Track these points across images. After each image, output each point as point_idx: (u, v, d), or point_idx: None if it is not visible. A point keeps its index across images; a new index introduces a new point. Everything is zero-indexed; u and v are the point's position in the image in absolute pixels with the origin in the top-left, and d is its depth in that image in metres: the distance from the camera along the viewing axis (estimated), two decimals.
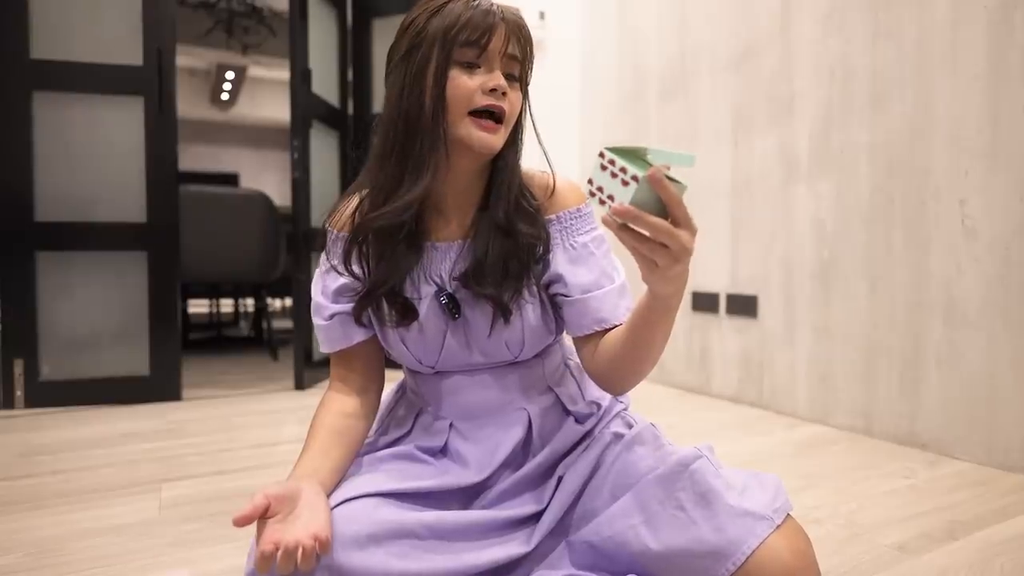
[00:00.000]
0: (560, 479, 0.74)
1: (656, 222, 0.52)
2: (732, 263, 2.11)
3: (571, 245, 0.74)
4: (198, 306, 5.26)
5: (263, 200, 3.03)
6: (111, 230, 2.04)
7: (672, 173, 0.53)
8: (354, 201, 0.74)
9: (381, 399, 0.83)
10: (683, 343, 2.32)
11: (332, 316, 0.76)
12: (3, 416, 1.90)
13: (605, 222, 0.55)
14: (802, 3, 1.84)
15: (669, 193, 0.52)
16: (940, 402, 1.50)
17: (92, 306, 2.05)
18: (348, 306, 0.74)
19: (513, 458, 0.75)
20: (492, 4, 0.68)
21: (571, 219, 0.75)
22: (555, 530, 0.72)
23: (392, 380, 0.85)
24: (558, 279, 0.73)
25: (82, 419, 1.87)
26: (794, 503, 0.67)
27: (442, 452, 0.77)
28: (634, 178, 0.52)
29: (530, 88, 0.74)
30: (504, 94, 0.67)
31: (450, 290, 0.73)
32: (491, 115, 0.68)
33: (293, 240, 2.36)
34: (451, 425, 0.78)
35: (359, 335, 0.77)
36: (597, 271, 0.73)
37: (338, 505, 0.63)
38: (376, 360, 0.80)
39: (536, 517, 0.72)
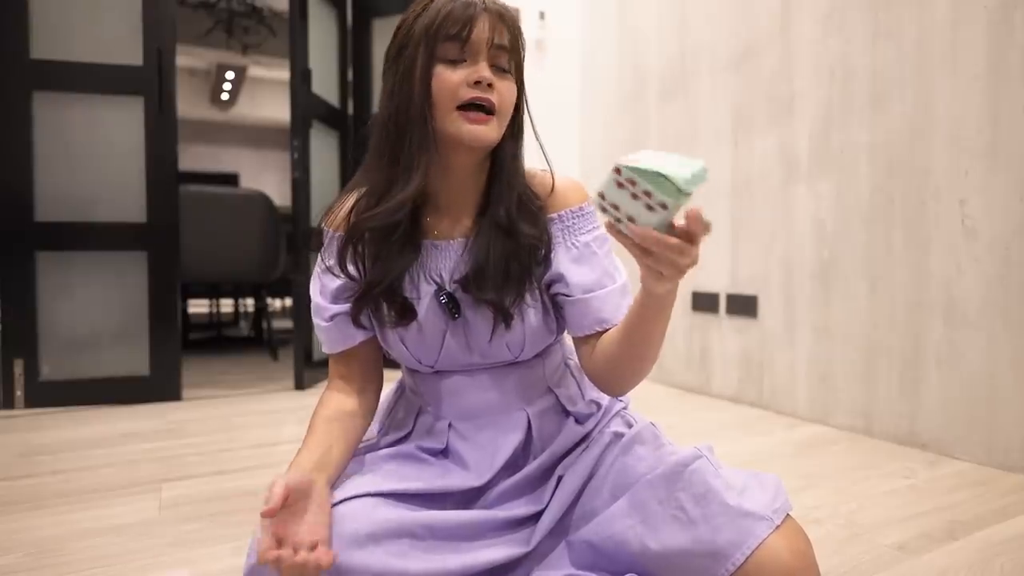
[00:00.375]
0: (559, 479, 0.74)
1: (675, 243, 0.52)
2: (732, 263, 2.11)
3: (573, 244, 0.73)
4: (198, 306, 5.26)
5: (263, 200, 3.03)
6: (111, 230, 2.04)
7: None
8: (350, 200, 0.74)
9: (380, 399, 0.83)
10: (683, 343, 2.32)
11: (332, 317, 0.75)
12: (3, 416, 1.90)
13: (612, 232, 0.55)
14: (802, 3, 1.84)
15: (700, 228, 0.52)
16: (940, 402, 1.50)
17: (92, 306, 2.05)
18: (348, 307, 0.74)
19: (513, 461, 0.75)
20: None
21: (573, 218, 0.74)
22: (555, 530, 0.72)
23: (391, 380, 0.85)
24: (559, 279, 0.73)
25: (82, 419, 1.87)
26: (794, 503, 0.67)
27: (443, 453, 0.77)
28: (662, 205, 0.51)
29: (528, 82, 0.74)
30: (491, 85, 0.66)
31: (450, 290, 0.72)
32: (480, 108, 0.67)
33: (293, 240, 2.36)
34: (450, 425, 0.77)
35: (360, 336, 0.76)
36: (599, 271, 0.73)
37: (339, 503, 0.62)
38: (375, 360, 0.80)
39: (536, 517, 0.72)
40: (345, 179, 2.72)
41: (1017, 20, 1.35)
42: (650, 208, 0.51)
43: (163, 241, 2.09)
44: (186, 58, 7.65)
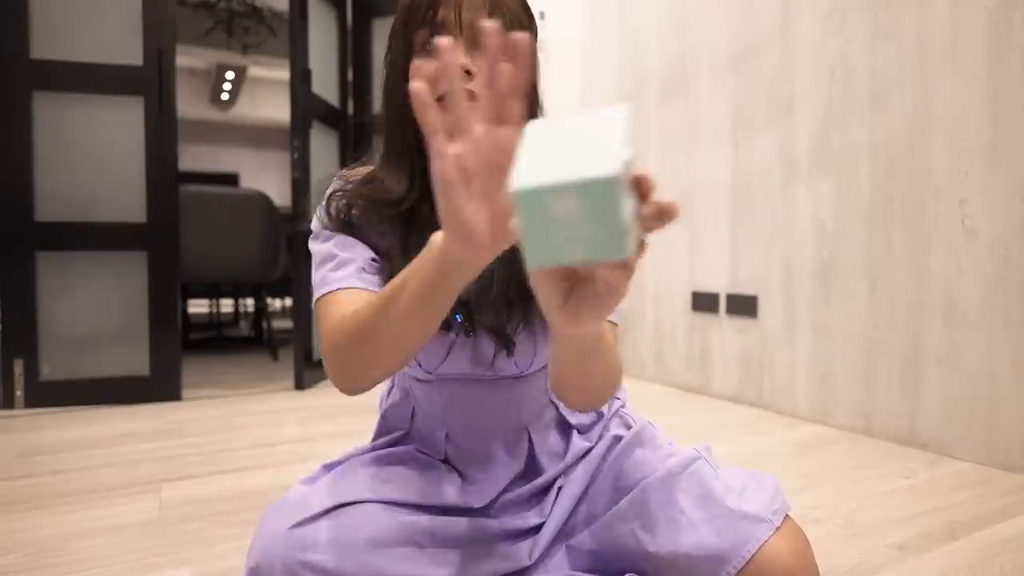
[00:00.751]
0: (560, 488, 0.73)
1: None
2: (732, 263, 2.11)
3: None
4: (198, 306, 5.26)
5: (263, 200, 3.03)
6: (111, 230, 2.04)
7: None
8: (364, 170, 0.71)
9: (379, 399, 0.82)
10: (683, 343, 2.32)
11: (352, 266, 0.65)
12: (3, 416, 1.90)
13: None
14: (802, 3, 1.84)
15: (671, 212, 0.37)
16: (940, 402, 1.50)
17: (92, 306, 2.05)
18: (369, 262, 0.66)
19: (515, 479, 0.73)
20: None
21: None
22: (555, 534, 0.71)
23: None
24: None
25: (82, 419, 1.87)
26: (794, 503, 0.67)
27: (444, 461, 0.75)
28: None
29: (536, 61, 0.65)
30: (469, 72, 0.59)
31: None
32: None
33: (293, 240, 2.36)
34: (447, 436, 0.74)
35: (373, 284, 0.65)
36: None
37: (339, 507, 0.62)
38: None
39: (538, 528, 0.71)
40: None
41: (1017, 20, 1.35)
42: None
43: (163, 241, 2.09)
44: (186, 58, 7.66)
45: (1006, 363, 1.37)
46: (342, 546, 0.58)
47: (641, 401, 2.10)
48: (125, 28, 2.04)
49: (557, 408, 0.77)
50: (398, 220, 0.66)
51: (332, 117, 2.62)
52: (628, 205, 0.32)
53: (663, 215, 0.35)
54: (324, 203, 0.69)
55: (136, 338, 2.08)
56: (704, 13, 2.19)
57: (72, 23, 2.00)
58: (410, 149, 0.66)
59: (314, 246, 0.68)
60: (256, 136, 9.77)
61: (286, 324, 4.49)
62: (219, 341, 3.90)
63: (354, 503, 0.63)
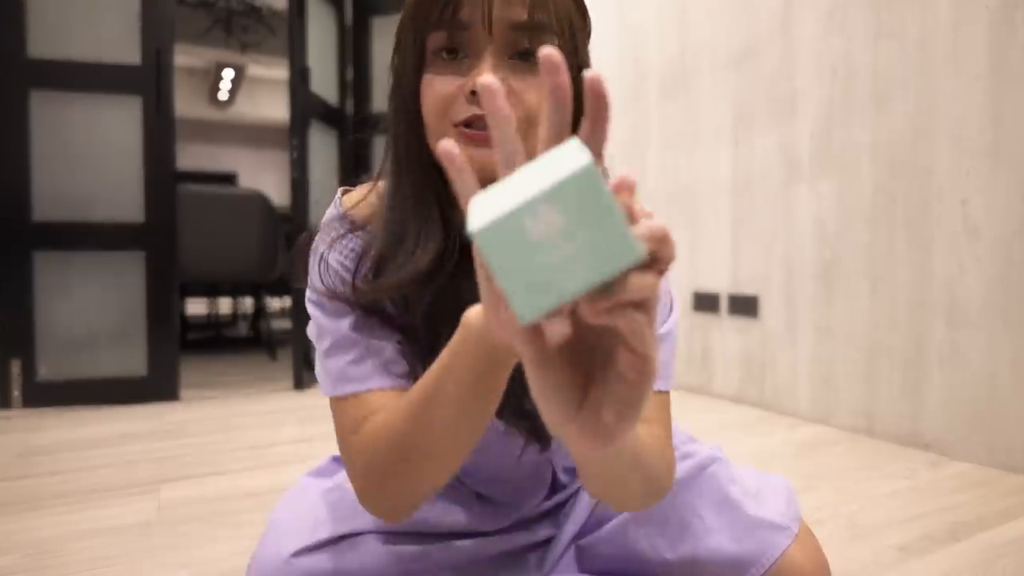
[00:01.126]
0: (573, 496, 0.71)
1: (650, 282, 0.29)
2: (733, 263, 2.10)
3: None
4: (196, 306, 5.25)
5: (261, 200, 3.02)
6: (109, 230, 2.03)
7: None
8: (373, 194, 0.57)
9: None
10: (684, 343, 2.32)
11: (360, 348, 0.52)
12: (0, 416, 1.89)
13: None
14: (803, 1, 1.83)
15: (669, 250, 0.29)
16: (942, 402, 1.50)
17: (89, 306, 2.04)
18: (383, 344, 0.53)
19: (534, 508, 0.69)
20: None
21: None
22: (568, 545, 0.69)
23: None
24: None
25: (79, 419, 1.86)
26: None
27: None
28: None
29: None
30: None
31: None
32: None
33: (292, 240, 2.35)
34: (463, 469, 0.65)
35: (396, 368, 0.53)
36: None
37: (345, 538, 0.58)
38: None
39: (548, 540, 0.69)
40: (344, 178, 2.71)
41: (1018, 20, 1.35)
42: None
43: (161, 241, 2.08)
44: (184, 57, 7.64)
45: (1008, 363, 1.37)
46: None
47: None
48: (123, 27, 2.03)
49: None
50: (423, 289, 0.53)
51: (331, 116, 2.61)
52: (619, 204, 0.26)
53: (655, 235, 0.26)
54: (321, 264, 0.54)
55: (134, 338, 2.07)
56: (704, 10, 2.19)
57: (70, 21, 1.99)
58: (434, 189, 0.51)
59: (319, 316, 0.55)
60: (255, 135, 9.75)
61: (285, 324, 4.48)
62: (217, 341, 3.89)
63: (356, 535, 0.59)
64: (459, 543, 0.63)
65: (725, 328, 2.14)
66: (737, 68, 2.06)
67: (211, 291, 4.17)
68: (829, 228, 1.77)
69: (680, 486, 0.64)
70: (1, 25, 1.92)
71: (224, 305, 5.14)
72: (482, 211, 0.26)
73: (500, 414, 0.52)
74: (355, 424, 0.50)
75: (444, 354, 0.42)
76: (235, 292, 4.23)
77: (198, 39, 6.46)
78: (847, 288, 1.72)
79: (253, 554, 0.58)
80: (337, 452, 0.65)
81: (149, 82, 2.05)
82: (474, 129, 0.47)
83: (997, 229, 1.39)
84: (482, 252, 0.25)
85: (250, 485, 1.29)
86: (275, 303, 5.92)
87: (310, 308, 0.56)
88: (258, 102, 9.05)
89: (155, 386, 2.09)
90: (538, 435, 0.54)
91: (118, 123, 2.04)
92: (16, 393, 1.96)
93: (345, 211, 0.57)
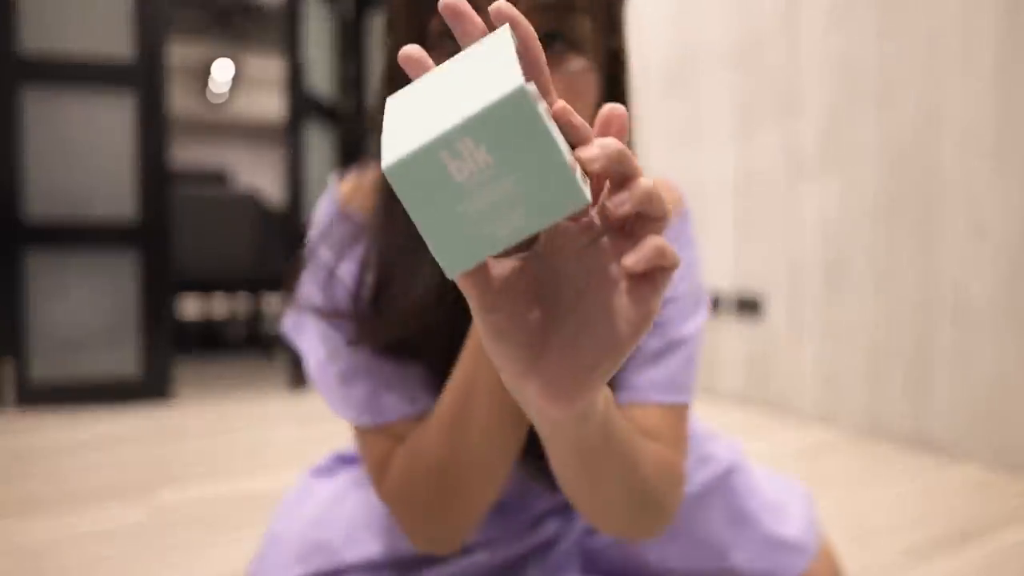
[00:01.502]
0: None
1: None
2: (737, 262, 2.09)
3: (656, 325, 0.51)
4: (191, 306, 5.22)
5: (256, 199, 3.00)
6: (102, 228, 2.01)
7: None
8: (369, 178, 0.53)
9: None
10: None
11: (354, 371, 0.48)
12: None
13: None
14: None
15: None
16: (948, 404, 1.49)
17: (83, 306, 2.01)
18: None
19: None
20: None
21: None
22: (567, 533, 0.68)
23: None
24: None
25: (74, 421, 1.84)
26: None
27: None
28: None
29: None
30: None
31: None
32: None
33: (288, 238, 2.33)
34: None
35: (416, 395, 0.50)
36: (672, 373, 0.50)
37: (345, 572, 0.54)
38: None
39: (550, 544, 0.66)
40: (341, 175, 2.68)
41: None
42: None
43: (155, 240, 2.05)
44: (180, 54, 7.59)
45: (1015, 364, 1.36)
46: None
47: None
48: (117, 21, 2.00)
49: None
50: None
51: (328, 113, 2.59)
52: (560, 139, 0.21)
53: (614, 157, 0.22)
54: (329, 279, 0.50)
55: (128, 339, 2.05)
56: (707, 6, 2.17)
57: (62, 16, 1.96)
58: None
59: (330, 334, 0.49)
60: (250, 132, 9.70)
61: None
62: (213, 342, 3.86)
63: (363, 567, 0.54)
64: (452, 564, 0.58)
65: (729, 328, 2.12)
66: (740, 65, 2.04)
67: (206, 290, 4.14)
68: (834, 228, 1.75)
69: (697, 497, 0.61)
70: None
71: (219, 305, 5.11)
72: (397, 143, 0.21)
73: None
74: (383, 458, 0.47)
75: (459, 366, 0.40)
76: (231, 290, 4.20)
77: (193, 34, 6.42)
78: (852, 288, 1.70)
79: (248, 573, 0.56)
80: (338, 450, 0.65)
81: (143, 78, 2.02)
82: None
83: (1004, 229, 1.37)
84: (398, 192, 0.21)
85: (247, 487, 1.27)
86: (273, 304, 5.90)
87: (311, 323, 0.50)
88: (254, 98, 9.00)
89: (149, 387, 2.07)
90: (550, 480, 0.51)
91: (111, 120, 2.01)
92: (9, 394, 1.94)
93: (342, 207, 0.53)
